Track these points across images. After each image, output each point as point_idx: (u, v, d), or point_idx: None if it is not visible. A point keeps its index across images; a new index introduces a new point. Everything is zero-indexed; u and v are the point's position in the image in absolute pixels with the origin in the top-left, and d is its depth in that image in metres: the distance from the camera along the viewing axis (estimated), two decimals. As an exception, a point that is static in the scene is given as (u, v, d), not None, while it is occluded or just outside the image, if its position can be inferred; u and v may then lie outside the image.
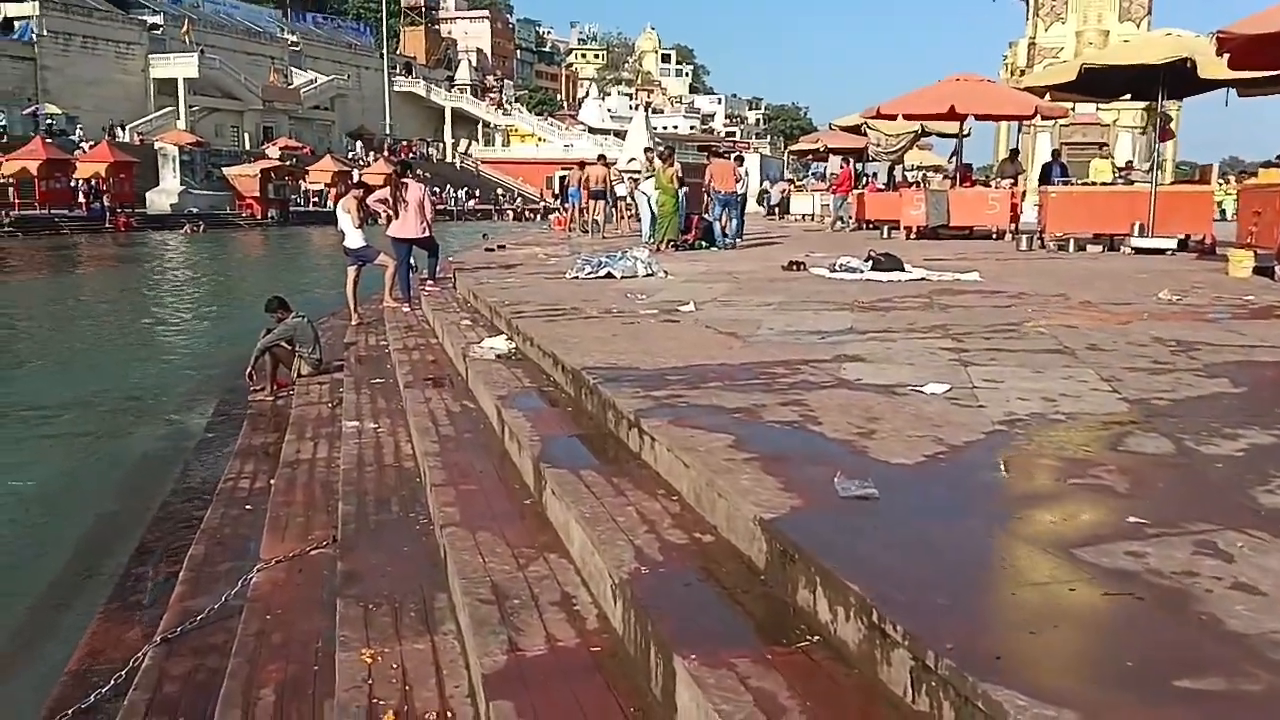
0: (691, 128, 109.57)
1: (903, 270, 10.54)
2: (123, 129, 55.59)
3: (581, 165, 23.38)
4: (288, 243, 39.26)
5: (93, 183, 42.33)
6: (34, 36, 55.93)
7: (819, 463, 3.30)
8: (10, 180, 39.67)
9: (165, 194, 46.47)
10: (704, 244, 15.83)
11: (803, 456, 3.44)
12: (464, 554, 3.53)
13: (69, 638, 4.57)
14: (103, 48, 59.28)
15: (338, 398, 8.13)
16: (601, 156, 20.30)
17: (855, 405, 4.24)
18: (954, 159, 20.71)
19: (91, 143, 48.41)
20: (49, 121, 52.33)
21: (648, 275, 10.82)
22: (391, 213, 11.31)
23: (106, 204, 41.44)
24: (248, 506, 5.89)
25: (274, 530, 5.00)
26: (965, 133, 19.28)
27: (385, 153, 67.30)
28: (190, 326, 15.83)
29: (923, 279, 10.16)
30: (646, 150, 18.86)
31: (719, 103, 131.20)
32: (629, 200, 18.73)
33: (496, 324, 8.27)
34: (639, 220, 17.73)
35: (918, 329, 6.68)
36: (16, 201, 38.98)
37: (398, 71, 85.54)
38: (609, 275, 10.72)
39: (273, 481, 6.21)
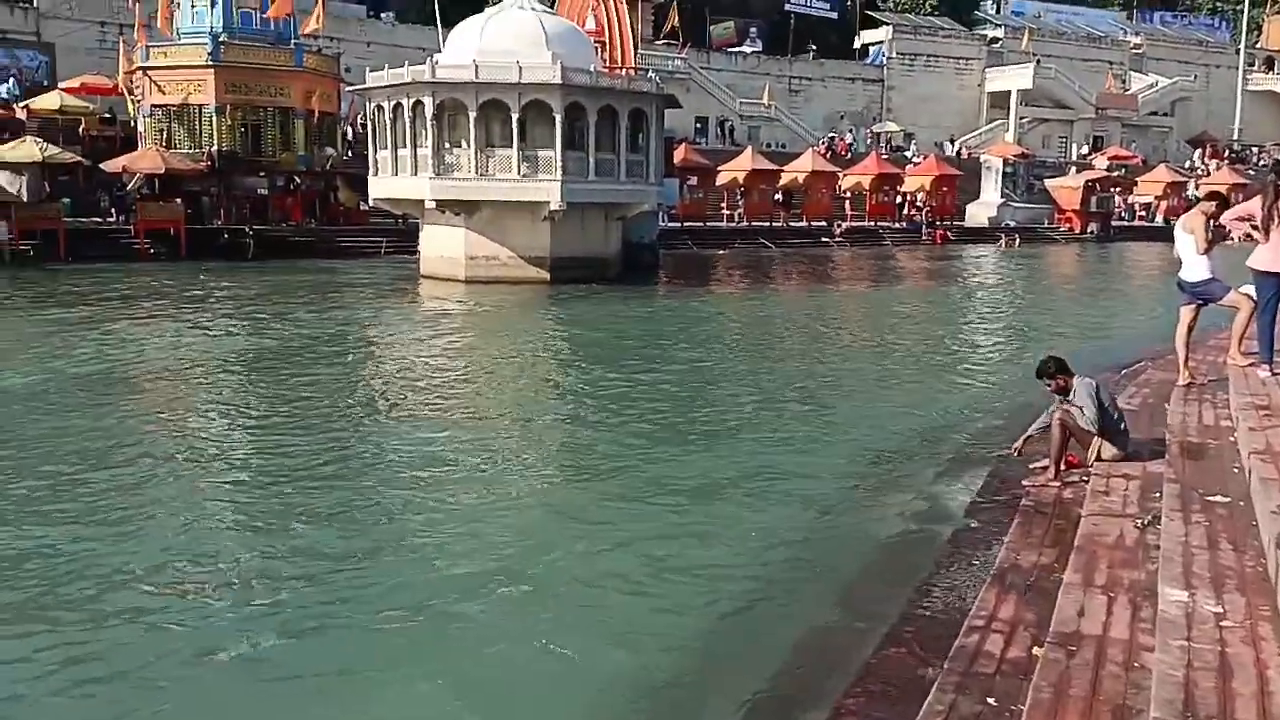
0: None
1: None
2: (951, 143, 57.21)
3: None
4: (1103, 262, 35.77)
5: (914, 196, 44.01)
6: (884, 59, 60.69)
7: None
8: (847, 194, 43.27)
9: (984, 206, 46.29)
10: None
11: None
12: None
13: None
14: (943, 65, 61.71)
15: (1151, 511, 5.58)
16: None
17: None
18: None
19: (922, 157, 50.49)
20: (888, 138, 56.31)
21: None
22: (1258, 235, 8.05)
23: (926, 216, 42.70)
24: (990, 699, 3.86)
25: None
26: None
27: (1227, 159, 58.34)
28: (978, 360, 14.08)
29: None
30: None
31: None
32: None
33: None
34: None
35: None
36: (850, 214, 42.31)
37: (1255, 68, 73.69)
38: None
39: (1035, 653, 4.11)
